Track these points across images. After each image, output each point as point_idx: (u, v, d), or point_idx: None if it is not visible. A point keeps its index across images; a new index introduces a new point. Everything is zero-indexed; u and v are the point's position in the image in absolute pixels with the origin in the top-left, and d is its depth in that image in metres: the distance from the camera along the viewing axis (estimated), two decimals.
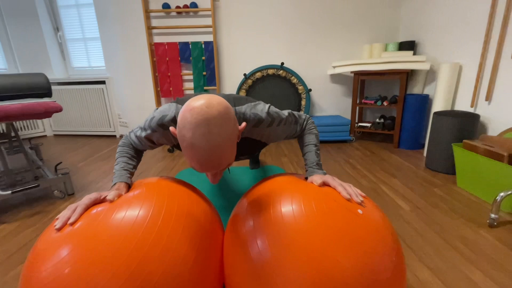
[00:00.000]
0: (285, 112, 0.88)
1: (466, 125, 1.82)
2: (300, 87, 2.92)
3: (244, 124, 0.65)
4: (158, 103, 2.94)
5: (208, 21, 2.75)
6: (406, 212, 1.42)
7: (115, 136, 3.26)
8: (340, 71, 2.70)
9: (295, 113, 0.94)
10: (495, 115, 1.81)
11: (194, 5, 2.67)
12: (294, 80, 2.91)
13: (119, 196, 0.68)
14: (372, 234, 0.57)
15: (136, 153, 0.90)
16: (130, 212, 0.61)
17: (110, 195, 0.66)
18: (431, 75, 2.46)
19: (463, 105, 2.08)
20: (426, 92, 2.54)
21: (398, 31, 2.89)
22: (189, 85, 2.94)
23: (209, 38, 2.80)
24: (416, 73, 2.58)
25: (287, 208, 0.60)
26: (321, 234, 0.55)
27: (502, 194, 1.25)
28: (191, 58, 2.79)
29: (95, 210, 0.63)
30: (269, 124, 0.82)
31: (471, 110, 2.01)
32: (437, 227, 1.29)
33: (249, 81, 2.91)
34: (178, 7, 2.67)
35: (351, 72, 2.66)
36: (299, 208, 0.59)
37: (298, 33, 2.86)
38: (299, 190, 0.65)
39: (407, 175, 1.94)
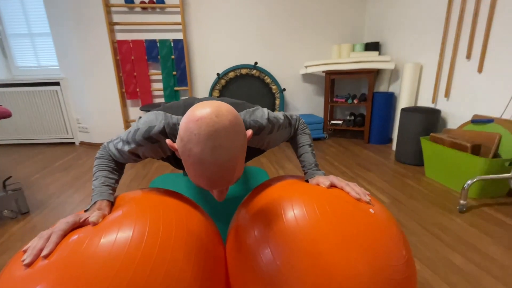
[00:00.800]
0: (281, 116, 0.84)
1: (430, 120, 1.98)
2: (274, 87, 2.92)
3: (250, 131, 0.57)
4: (124, 106, 2.71)
5: (177, 18, 2.61)
6: (387, 205, 1.49)
7: (73, 143, 2.93)
8: (312, 70, 2.75)
9: (287, 114, 0.91)
10: (453, 110, 1.99)
11: (161, 0, 2.50)
12: (268, 80, 2.91)
13: (103, 216, 0.58)
14: (384, 233, 0.56)
15: (117, 165, 0.78)
16: (122, 235, 0.52)
17: (93, 216, 0.56)
18: (394, 74, 2.64)
19: (425, 101, 2.25)
20: (391, 90, 2.72)
21: (363, 32, 3.04)
22: (157, 86, 2.76)
23: (179, 36, 2.66)
24: (381, 72, 2.75)
25: (301, 213, 0.57)
26: (340, 239, 0.52)
27: (469, 182, 1.37)
28: (159, 57, 2.62)
29: (75, 236, 0.52)
30: (270, 131, 0.77)
31: (432, 106, 2.18)
32: (416, 216, 1.37)
33: (222, 81, 2.83)
34: (143, 2, 2.48)
35: (323, 71, 2.73)
36: (313, 213, 0.56)
37: (270, 33, 2.86)
38: (309, 193, 0.62)
39: (380, 169, 2.04)
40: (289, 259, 0.53)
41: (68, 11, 2.44)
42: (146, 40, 2.55)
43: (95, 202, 0.63)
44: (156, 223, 0.57)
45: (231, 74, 2.84)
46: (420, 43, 2.25)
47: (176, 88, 2.74)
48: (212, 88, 2.82)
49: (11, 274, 0.49)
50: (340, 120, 3.01)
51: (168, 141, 0.56)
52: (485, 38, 1.69)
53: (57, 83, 2.71)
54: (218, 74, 2.74)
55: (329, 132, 3.19)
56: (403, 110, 2.12)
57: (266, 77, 2.89)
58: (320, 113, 3.22)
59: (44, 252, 0.48)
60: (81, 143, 2.92)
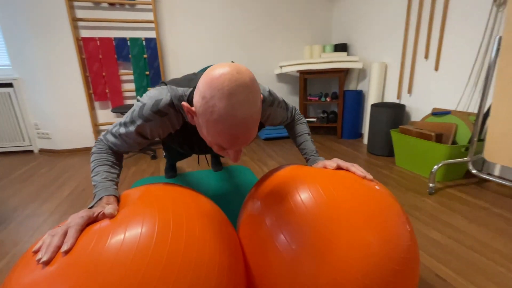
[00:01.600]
0: (279, 97, 0.88)
1: (396, 114, 2.18)
2: None
3: (261, 96, 0.57)
4: (92, 108, 2.52)
5: (149, 15, 2.50)
6: None
7: (32, 151, 2.64)
8: (287, 70, 2.85)
9: (284, 100, 0.95)
10: (416, 104, 2.21)
11: None
12: None
13: (117, 210, 0.56)
14: (391, 208, 0.62)
15: (117, 159, 0.74)
16: (147, 227, 0.50)
17: (109, 209, 0.53)
18: (362, 73, 2.84)
19: (391, 97, 2.47)
20: (359, 88, 2.92)
21: (331, 34, 3.23)
22: (129, 86, 2.62)
23: (151, 34, 2.55)
24: (350, 71, 2.94)
25: (319, 195, 0.60)
26: (355, 218, 0.57)
27: (436, 167, 1.54)
28: (130, 56, 2.49)
29: (95, 230, 0.50)
30: (270, 103, 0.81)
31: (397, 101, 2.40)
32: None
33: None
34: None
35: (297, 71, 2.84)
36: (330, 194, 0.60)
37: (244, 34, 2.89)
38: (321, 176, 0.66)
39: (355, 161, 2.19)
40: (306, 242, 0.55)
41: (21, 3, 2.20)
42: (115, 38, 2.41)
43: (101, 198, 0.60)
44: (176, 212, 0.56)
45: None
46: (384, 44, 2.47)
47: (149, 89, 2.62)
48: None
49: (24, 275, 0.45)
50: (314, 117, 3.15)
51: (185, 104, 0.56)
52: (440, 40, 1.92)
53: (9, 85, 2.42)
54: (194, 73, 2.69)
55: None
56: (373, 105, 2.30)
57: None
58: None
59: (64, 248, 0.46)
60: (41, 150, 2.64)
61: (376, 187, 0.66)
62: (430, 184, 1.55)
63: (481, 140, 1.64)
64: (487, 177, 1.49)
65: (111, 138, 0.74)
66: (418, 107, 2.19)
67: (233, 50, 2.89)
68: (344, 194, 0.61)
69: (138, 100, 0.75)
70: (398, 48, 2.31)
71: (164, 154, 1.79)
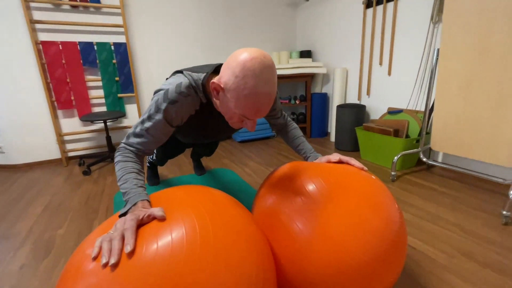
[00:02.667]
0: None
1: (358, 113, 2.46)
2: None
3: None
4: (55, 117, 2.33)
5: (117, 20, 2.42)
6: None
7: None
8: None
9: None
10: (374, 104, 2.53)
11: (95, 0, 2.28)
12: None
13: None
14: (383, 192, 0.77)
15: (142, 166, 0.78)
16: (190, 228, 0.53)
17: (158, 211, 0.57)
18: (326, 77, 3.13)
19: (352, 99, 2.77)
20: (324, 91, 3.20)
21: (296, 42, 3.47)
22: (97, 93, 2.48)
23: (120, 39, 2.47)
24: (316, 76, 3.21)
25: (327, 183, 0.73)
26: (357, 200, 0.70)
27: (396, 157, 1.82)
28: (97, 61, 2.37)
29: (147, 230, 0.54)
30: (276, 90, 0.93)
31: (358, 102, 2.71)
32: None
33: None
34: None
35: None
36: (337, 182, 0.73)
37: (215, 40, 2.95)
38: (329, 169, 0.79)
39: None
40: (316, 226, 0.67)
41: None
42: (80, 43, 2.27)
43: (135, 203, 0.63)
44: (201, 212, 0.60)
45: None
46: (344, 52, 2.77)
47: (120, 95, 2.52)
48: None
49: (91, 279, 0.48)
50: None
51: (214, 81, 0.68)
52: (391, 49, 2.25)
53: None
54: (167, 79, 2.67)
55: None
56: (338, 106, 2.57)
57: None
58: None
59: (128, 250, 0.49)
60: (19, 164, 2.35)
61: (372, 176, 0.81)
62: (392, 173, 1.82)
63: (428, 133, 1.97)
64: (433, 163, 1.80)
65: (135, 140, 0.77)
66: (376, 107, 2.51)
67: (205, 55, 2.93)
68: (348, 181, 0.75)
69: (156, 92, 0.80)
70: (356, 56, 2.62)
71: (148, 161, 1.77)
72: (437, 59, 1.68)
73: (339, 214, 0.69)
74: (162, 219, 0.56)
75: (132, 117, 2.68)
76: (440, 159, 2.04)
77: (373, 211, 0.70)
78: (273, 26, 3.25)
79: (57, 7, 2.21)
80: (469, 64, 1.50)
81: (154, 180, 1.86)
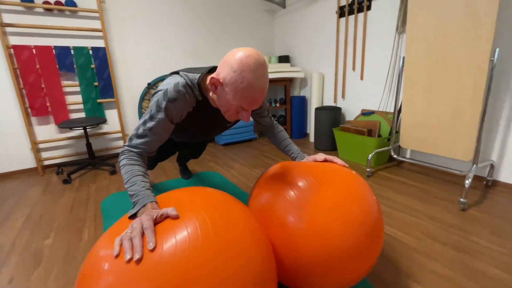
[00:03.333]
0: None
1: (335, 115, 2.64)
2: None
3: None
4: (29, 124, 2.22)
5: (95, 24, 2.37)
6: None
7: None
8: None
9: None
10: (349, 107, 2.72)
11: (71, 3, 2.22)
12: None
13: None
14: (363, 186, 0.89)
15: (145, 167, 0.82)
16: (202, 225, 0.59)
17: (171, 211, 0.62)
18: (303, 81, 3.28)
19: (329, 101, 2.95)
20: (302, 94, 3.36)
21: (274, 47, 3.60)
22: (74, 99, 2.41)
23: (99, 43, 2.42)
24: (294, 80, 3.35)
25: (315, 180, 0.82)
26: (341, 193, 0.81)
27: (370, 155, 1.99)
28: (75, 66, 2.31)
29: (171, 228, 0.59)
30: None
31: (334, 104, 2.89)
32: None
33: (152, 91, 2.76)
34: (47, 2, 2.13)
35: None
36: (323, 179, 0.83)
37: (195, 44, 2.98)
38: (315, 167, 0.89)
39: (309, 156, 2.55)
40: (308, 218, 0.77)
41: None
42: (56, 47, 2.20)
43: (145, 204, 0.67)
44: (210, 211, 0.66)
45: (160, 84, 2.80)
46: (320, 58, 2.94)
47: (99, 101, 2.47)
48: (142, 99, 2.70)
49: (114, 275, 0.52)
50: None
51: (213, 76, 0.77)
52: (362, 56, 2.44)
53: None
54: (149, 83, 2.66)
55: (257, 132, 3.59)
56: (316, 109, 2.72)
57: None
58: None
59: (151, 246, 0.54)
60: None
61: (353, 172, 0.92)
62: (368, 169, 1.99)
63: (397, 132, 2.18)
64: (403, 159, 2.00)
65: (139, 141, 0.81)
66: (351, 109, 2.70)
67: (185, 59, 2.95)
68: (332, 177, 0.85)
69: (154, 94, 0.86)
70: (332, 61, 2.80)
71: None
72: (402, 65, 1.87)
73: (325, 206, 0.79)
74: (176, 217, 0.61)
75: (113, 122, 2.63)
76: (408, 155, 2.26)
77: (354, 202, 0.81)
78: (252, 31, 3.35)
79: (29, 10, 2.12)
80: (429, 70, 1.70)
81: (188, 174, 1.89)
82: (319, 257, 0.76)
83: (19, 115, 2.19)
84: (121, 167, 0.78)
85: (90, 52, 2.35)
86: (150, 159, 1.51)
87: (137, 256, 0.53)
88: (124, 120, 2.68)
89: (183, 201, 0.71)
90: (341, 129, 2.40)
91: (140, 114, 2.70)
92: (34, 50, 2.13)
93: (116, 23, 2.48)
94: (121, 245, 0.56)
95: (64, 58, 2.25)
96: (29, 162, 2.31)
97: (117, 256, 0.55)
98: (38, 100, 2.21)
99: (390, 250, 1.16)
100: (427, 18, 1.65)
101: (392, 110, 2.30)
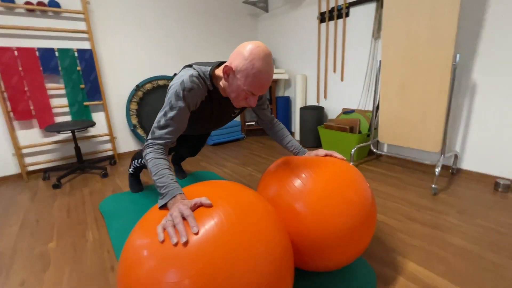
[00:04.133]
0: None
1: (319, 114, 2.82)
2: None
3: None
4: (12, 129, 2.14)
5: (80, 25, 2.32)
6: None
7: None
8: None
9: None
10: (331, 106, 2.92)
11: (55, 4, 2.17)
12: None
13: None
14: (360, 177, 1.02)
15: (170, 162, 0.89)
16: (232, 213, 0.68)
17: (205, 200, 0.70)
18: (287, 82, 3.44)
19: (312, 101, 3.13)
20: (286, 94, 3.51)
21: None
22: (59, 102, 2.35)
23: (84, 45, 2.37)
24: (279, 81, 3.50)
25: (319, 172, 0.95)
26: (341, 183, 0.94)
27: (353, 150, 2.18)
28: (60, 68, 2.25)
29: (207, 215, 0.67)
30: None
31: (317, 104, 3.08)
32: None
33: (140, 93, 2.75)
34: (29, 3, 2.07)
35: None
36: (326, 171, 0.96)
37: (182, 46, 3.01)
38: (318, 161, 1.01)
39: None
40: (313, 205, 0.90)
41: None
42: (39, 49, 2.14)
43: (175, 196, 0.75)
44: (236, 199, 0.76)
45: (148, 86, 2.80)
46: (303, 60, 3.11)
47: (86, 103, 2.43)
48: (129, 101, 2.69)
49: (160, 258, 0.60)
50: (252, 121, 3.57)
51: (226, 65, 0.87)
52: (342, 59, 2.64)
53: None
54: (137, 85, 2.65)
55: (244, 132, 3.69)
56: (301, 108, 2.89)
57: None
58: (237, 117, 3.67)
59: (195, 231, 0.62)
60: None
61: (350, 164, 1.07)
62: (351, 163, 2.18)
63: (375, 128, 2.40)
64: (381, 153, 2.22)
65: (162, 131, 0.88)
66: (333, 108, 2.90)
67: (172, 61, 2.97)
68: (332, 169, 0.98)
69: (171, 86, 0.95)
70: (314, 64, 2.98)
71: (133, 167, 1.80)
72: (379, 68, 2.08)
73: (327, 193, 0.92)
74: (209, 206, 0.70)
75: (100, 125, 2.59)
76: (385, 149, 2.49)
77: (352, 190, 0.95)
78: (236, 34, 3.44)
79: (10, 10, 2.04)
80: (402, 73, 1.92)
81: (138, 187, 1.89)
82: (323, 237, 0.88)
83: (1, 119, 2.10)
84: (147, 160, 0.84)
85: (76, 54, 2.31)
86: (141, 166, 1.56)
87: (183, 240, 0.60)
88: (111, 122, 2.65)
89: (206, 192, 0.80)
90: (325, 127, 2.58)
91: (129, 116, 2.68)
92: (16, 52, 2.06)
93: (102, 25, 2.45)
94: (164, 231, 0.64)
95: (48, 60, 2.19)
96: (12, 168, 2.22)
97: (162, 241, 0.63)
98: (21, 103, 2.14)
99: (377, 231, 1.33)
100: (399, 28, 1.87)
101: (370, 109, 2.52)
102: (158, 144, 0.88)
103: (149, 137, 0.89)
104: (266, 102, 1.25)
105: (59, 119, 2.36)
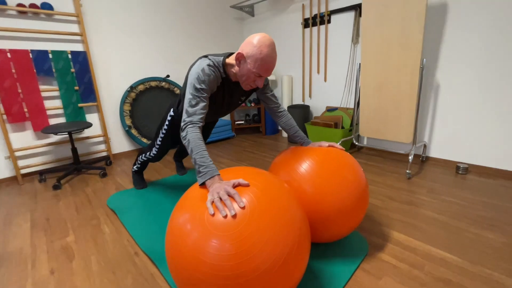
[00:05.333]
0: None
1: (305, 112, 3.05)
2: None
3: None
4: (5, 132, 2.11)
5: (73, 27, 2.34)
6: None
7: None
8: None
9: None
10: (315, 104, 3.16)
11: (47, 6, 2.18)
12: (178, 91, 3.15)
13: None
14: (354, 162, 1.23)
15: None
16: (270, 188, 0.86)
17: (242, 181, 0.84)
18: (274, 83, 3.65)
19: (298, 101, 3.36)
20: None
21: None
22: (53, 104, 2.35)
23: (78, 47, 2.39)
24: None
25: (322, 159, 1.14)
26: (341, 166, 1.14)
27: (338, 144, 2.43)
28: (54, 70, 2.26)
29: (247, 193, 0.82)
30: None
31: (302, 103, 3.31)
32: None
33: (133, 94, 2.81)
34: (21, 5, 2.07)
35: None
36: (329, 157, 1.15)
37: (173, 48, 3.10)
38: (321, 150, 1.20)
39: (283, 149, 2.91)
40: (317, 185, 1.09)
41: None
42: (33, 51, 2.14)
43: (213, 176, 0.88)
44: (266, 180, 0.93)
45: (141, 87, 2.86)
46: (289, 62, 3.33)
47: (80, 105, 2.44)
48: (123, 102, 2.73)
49: (217, 227, 0.75)
50: (241, 120, 3.73)
51: (239, 52, 1.04)
52: (325, 61, 2.89)
53: None
54: (131, 86, 2.70)
55: (234, 131, 3.84)
56: (288, 107, 3.10)
57: (176, 88, 3.13)
58: (227, 117, 3.80)
59: (242, 205, 0.76)
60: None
61: (347, 153, 1.27)
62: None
63: (357, 124, 2.67)
64: (362, 145, 2.49)
65: (195, 108, 1.02)
66: (317, 106, 3.15)
67: (163, 63, 3.04)
68: (334, 156, 1.18)
69: (190, 73, 1.10)
70: (299, 66, 3.21)
71: (139, 163, 1.89)
72: (359, 70, 2.34)
73: (330, 176, 1.11)
74: (247, 185, 0.84)
75: (94, 127, 2.61)
76: (365, 142, 2.78)
77: (350, 173, 1.15)
78: (224, 37, 3.58)
79: (2, 12, 2.03)
80: (379, 74, 2.19)
81: (143, 184, 1.98)
82: (325, 212, 1.08)
83: None
84: (188, 139, 0.96)
85: (69, 56, 2.33)
86: (165, 145, 1.66)
87: (232, 213, 0.74)
88: (105, 123, 2.68)
89: (234, 175, 0.96)
90: (312, 124, 2.82)
91: (122, 117, 2.72)
92: (9, 54, 2.05)
93: (95, 27, 2.48)
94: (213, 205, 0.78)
95: (42, 62, 2.20)
96: (5, 171, 2.19)
97: (213, 215, 0.76)
98: (14, 106, 2.12)
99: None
100: (375, 35, 2.13)
101: (351, 106, 2.80)
102: (196, 122, 1.00)
103: (184, 117, 1.01)
104: (270, 87, 1.38)
105: (52, 121, 2.36)
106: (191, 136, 0.97)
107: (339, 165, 1.15)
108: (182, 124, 1.01)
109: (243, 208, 0.76)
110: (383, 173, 2.10)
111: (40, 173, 2.22)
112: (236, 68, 1.11)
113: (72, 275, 1.14)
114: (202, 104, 1.05)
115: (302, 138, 1.37)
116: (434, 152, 2.28)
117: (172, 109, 1.52)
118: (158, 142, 1.65)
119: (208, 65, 1.09)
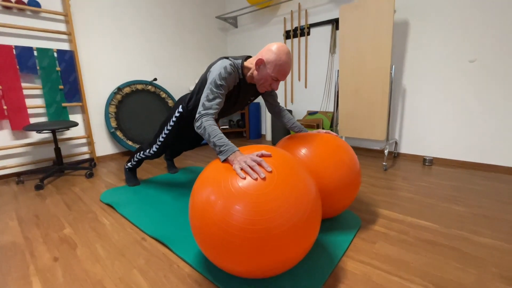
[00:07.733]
0: None
1: None
2: (170, 101, 3.23)
3: None
4: None
5: (60, 26, 2.31)
6: None
7: None
8: None
9: None
10: (297, 109, 3.39)
11: (34, 3, 2.15)
12: (163, 95, 3.18)
13: None
14: (348, 146, 1.39)
15: None
16: (292, 159, 0.98)
17: (265, 152, 0.94)
18: None
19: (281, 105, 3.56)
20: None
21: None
22: (36, 102, 2.25)
23: (64, 46, 2.35)
24: None
25: (321, 142, 1.29)
26: (337, 149, 1.30)
27: None
28: (38, 68, 2.19)
29: (270, 163, 0.91)
30: None
31: (285, 108, 3.51)
32: None
33: (118, 96, 2.78)
34: (7, 0, 2.02)
35: None
36: (327, 141, 1.30)
37: (158, 53, 3.15)
38: (320, 136, 1.35)
39: None
40: (318, 164, 1.24)
41: None
42: (16, 47, 2.07)
43: (234, 152, 0.96)
44: (285, 154, 1.06)
45: (127, 89, 2.85)
46: None
47: (64, 104, 2.37)
48: (108, 103, 2.70)
49: (249, 186, 0.84)
50: (226, 125, 3.82)
51: (259, 58, 1.17)
52: (305, 69, 3.15)
53: None
54: (118, 87, 2.68)
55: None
56: None
57: (162, 92, 3.16)
58: None
59: (269, 170, 0.86)
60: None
61: (343, 138, 1.44)
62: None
63: (336, 125, 2.92)
64: None
65: (212, 103, 1.10)
66: (299, 110, 3.37)
67: (148, 67, 3.07)
68: (331, 141, 1.33)
69: (212, 71, 1.19)
70: None
71: (134, 160, 1.88)
72: (338, 76, 2.61)
73: (327, 157, 1.26)
74: (269, 156, 0.94)
75: (78, 127, 2.53)
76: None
77: (344, 155, 1.31)
78: (207, 46, 3.72)
79: None
80: (355, 80, 2.47)
81: (135, 181, 1.97)
82: (322, 190, 1.22)
83: None
84: (205, 127, 1.05)
85: (55, 54, 2.28)
86: (169, 141, 1.69)
87: (262, 175, 0.83)
88: (90, 124, 2.61)
89: (255, 150, 1.06)
90: None
91: (108, 119, 2.67)
92: None
93: (83, 28, 2.47)
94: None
95: (26, 59, 2.13)
96: None
97: (244, 178, 0.83)
98: None
99: None
100: (351, 46, 2.43)
101: (330, 110, 3.06)
102: (210, 114, 1.09)
103: (200, 109, 1.10)
104: (275, 93, 1.55)
105: (33, 121, 2.26)
106: (207, 123, 1.06)
107: (336, 147, 1.30)
108: (197, 115, 1.10)
109: (270, 172, 0.84)
110: (363, 167, 2.32)
111: (18, 174, 2.09)
112: (255, 72, 1.22)
113: (78, 262, 1.12)
114: (218, 100, 1.13)
115: (299, 127, 1.53)
116: (404, 148, 2.58)
117: (181, 106, 1.57)
118: (161, 139, 1.68)
119: (230, 64, 1.19)
